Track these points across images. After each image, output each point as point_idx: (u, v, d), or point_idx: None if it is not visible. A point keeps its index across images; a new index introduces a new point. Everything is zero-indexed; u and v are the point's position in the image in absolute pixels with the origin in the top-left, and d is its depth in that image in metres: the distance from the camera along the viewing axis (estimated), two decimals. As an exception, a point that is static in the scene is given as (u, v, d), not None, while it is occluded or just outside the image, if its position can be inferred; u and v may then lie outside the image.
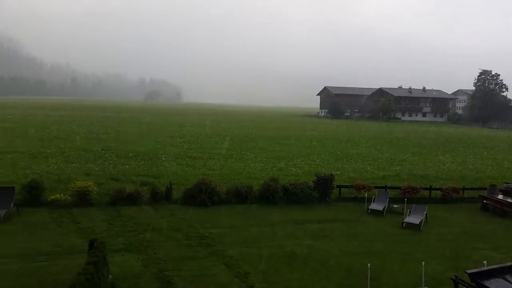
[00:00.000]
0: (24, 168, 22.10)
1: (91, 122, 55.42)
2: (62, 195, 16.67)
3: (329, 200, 19.06)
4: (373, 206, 17.78)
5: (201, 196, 17.30)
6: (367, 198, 18.41)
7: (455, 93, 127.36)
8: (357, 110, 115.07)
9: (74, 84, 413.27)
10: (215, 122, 67.27)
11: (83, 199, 16.54)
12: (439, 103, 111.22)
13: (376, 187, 20.05)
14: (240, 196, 18.16)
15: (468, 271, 7.29)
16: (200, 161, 27.44)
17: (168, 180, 18.74)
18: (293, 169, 26.08)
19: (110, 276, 9.31)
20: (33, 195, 16.35)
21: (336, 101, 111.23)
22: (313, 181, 19.38)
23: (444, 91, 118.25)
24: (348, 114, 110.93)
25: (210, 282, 10.19)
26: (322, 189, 19.06)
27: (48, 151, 27.87)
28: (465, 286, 7.20)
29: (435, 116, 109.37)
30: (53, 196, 16.49)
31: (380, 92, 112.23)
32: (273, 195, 18.21)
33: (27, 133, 37.77)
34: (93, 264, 7.70)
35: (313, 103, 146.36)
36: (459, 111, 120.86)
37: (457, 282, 7.40)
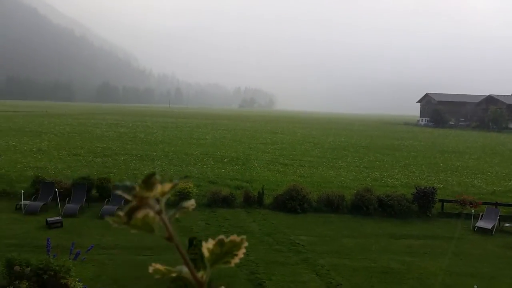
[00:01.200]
0: (133, 169, 24.48)
1: (192, 128, 59.25)
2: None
3: (430, 215, 17.74)
4: (481, 223, 16.11)
5: (292, 202, 17.38)
6: (474, 214, 16.75)
7: None
8: (462, 119, 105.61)
9: (178, 93, 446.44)
10: (307, 130, 67.14)
11: (183, 199, 17.70)
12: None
13: (484, 203, 18.13)
14: (331, 205, 17.84)
15: None
16: (291, 167, 27.61)
17: (260, 185, 19.19)
18: (389, 180, 24.85)
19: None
20: (141, 194, 17.98)
21: (439, 109, 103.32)
22: (412, 194, 18.25)
23: None
24: (453, 123, 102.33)
25: (301, 289, 10.18)
26: (422, 203, 17.83)
27: (154, 154, 30.46)
28: None
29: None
30: (158, 195, 17.96)
31: (490, 99, 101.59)
32: (367, 206, 17.54)
33: (137, 138, 41.74)
34: (193, 261, 8.21)
35: (413, 111, 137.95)
36: None
37: None
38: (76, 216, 15.45)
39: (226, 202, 17.80)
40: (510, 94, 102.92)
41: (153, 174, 0.56)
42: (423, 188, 18.19)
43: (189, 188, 18.19)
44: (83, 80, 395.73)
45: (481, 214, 16.81)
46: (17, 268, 9.27)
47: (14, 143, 31.94)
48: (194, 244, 9.53)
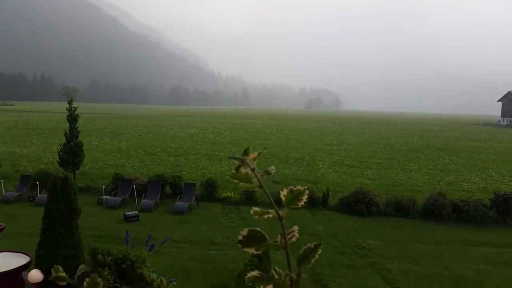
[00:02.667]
0: (203, 168, 25.54)
1: (258, 129, 60.16)
2: (232, 193, 18.69)
3: (510, 222, 16.41)
4: None
5: (358, 205, 17.04)
6: None
7: None
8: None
9: (245, 94, 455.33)
10: (376, 130, 64.92)
11: (249, 198, 18.21)
12: None
13: None
14: (401, 209, 17.20)
15: None
16: (358, 169, 26.98)
17: (325, 187, 19.05)
18: (465, 184, 23.31)
19: (272, 270, 10.07)
20: (209, 192, 18.76)
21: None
22: (490, 199, 17.00)
23: None
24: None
25: (366, 293, 10.01)
26: (502, 209, 16.55)
27: (222, 154, 31.46)
28: None
29: None
30: (225, 194, 18.63)
31: None
32: (440, 211, 16.65)
33: (206, 138, 43.38)
34: (258, 258, 8.47)
35: (493, 110, 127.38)
36: None
37: None
38: (151, 211, 16.55)
39: (291, 202, 17.88)
40: None
41: (248, 148, 0.85)
42: (502, 193, 16.86)
43: (254, 187, 18.57)
44: (157, 83, 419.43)
45: None
46: (100, 257, 10.20)
47: (96, 143, 34.83)
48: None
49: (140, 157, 28.74)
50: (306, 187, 0.81)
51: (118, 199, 17.50)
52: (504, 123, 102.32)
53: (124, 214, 15.41)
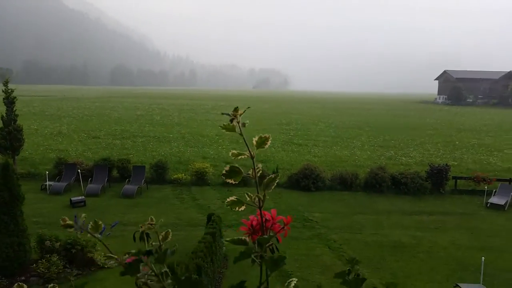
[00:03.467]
0: (151, 150, 25.15)
1: (207, 110, 59.75)
2: (183, 174, 18.69)
3: (443, 192, 17.93)
4: (494, 200, 16.25)
5: (306, 181, 17.77)
6: (487, 191, 16.87)
7: None
8: (481, 96, 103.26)
9: (192, 75, 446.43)
10: (322, 110, 66.93)
11: (200, 178, 18.32)
12: None
13: (498, 180, 18.19)
14: (344, 183, 18.17)
15: None
16: (305, 148, 27.90)
17: (275, 165, 19.60)
18: (404, 158, 24.95)
19: (224, 247, 10.38)
20: (159, 174, 18.62)
21: (457, 86, 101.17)
22: (425, 171, 18.42)
23: None
24: (471, 101, 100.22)
25: (314, 262, 10.64)
26: (435, 180, 18.01)
27: (171, 135, 31.09)
28: None
29: None
30: (176, 175, 18.58)
31: (510, 75, 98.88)
32: (380, 184, 17.82)
33: (153, 120, 42.46)
34: (211, 235, 8.72)
35: (431, 89, 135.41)
36: None
37: None
38: (98, 196, 16.18)
39: (242, 181, 18.14)
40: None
41: (237, 107, 1.04)
42: (436, 165, 18.32)
43: (206, 168, 18.73)
44: (97, 63, 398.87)
45: (494, 190, 16.92)
46: (47, 243, 9.97)
47: (35, 127, 32.97)
48: (212, 220, 10.03)
49: (84, 141, 27.68)
50: (269, 135, 1.04)
51: (63, 184, 16.90)
52: (440, 101, 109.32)
53: (70, 199, 14.97)
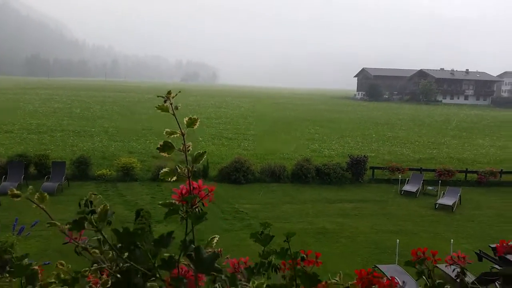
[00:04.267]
0: (72, 145, 23.72)
1: (133, 103, 57.51)
2: (107, 170, 17.91)
3: (362, 181, 19.29)
4: (407, 187, 17.86)
5: (236, 174, 18.03)
6: (401, 180, 18.49)
7: (501, 76, 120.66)
8: (396, 93, 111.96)
9: (115, 65, 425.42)
10: (251, 104, 67.86)
11: (127, 174, 17.71)
12: (482, 86, 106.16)
13: (410, 169, 20.03)
14: (273, 175, 18.75)
15: (492, 245, 7.52)
16: (235, 141, 28.21)
17: (205, 159, 19.59)
18: (327, 151, 26.33)
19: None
20: (82, 170, 17.68)
21: (374, 83, 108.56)
22: (346, 162, 19.63)
23: (490, 73, 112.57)
24: (387, 97, 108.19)
25: (245, 252, 10.88)
26: (355, 170, 19.30)
27: (93, 129, 29.53)
28: (489, 260, 7.45)
29: (478, 99, 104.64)
30: (100, 171, 17.75)
31: (421, 74, 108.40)
32: (306, 175, 18.67)
33: (73, 113, 39.93)
34: (140, 230, 8.54)
35: (352, 86, 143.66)
36: (505, 94, 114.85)
37: (481, 256, 7.65)
38: (13, 195, 14.92)
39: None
40: (439, 69, 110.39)
41: (170, 90, 1.16)
42: (356, 157, 19.63)
43: (133, 163, 18.15)
44: (8, 51, 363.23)
45: (407, 179, 18.59)
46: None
47: None
48: (141, 215, 9.81)
49: (-6, 136, 25.26)
50: (198, 117, 1.14)
51: (-30, 183, 15.32)
52: (359, 97, 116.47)
53: (-20, 199, 13.63)
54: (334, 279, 1.16)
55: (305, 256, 1.21)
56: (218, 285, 1.03)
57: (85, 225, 1.02)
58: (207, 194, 1.16)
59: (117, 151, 22.55)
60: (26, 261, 1.24)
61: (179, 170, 1.12)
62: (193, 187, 1.15)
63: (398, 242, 9.99)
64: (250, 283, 1.11)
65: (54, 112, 39.94)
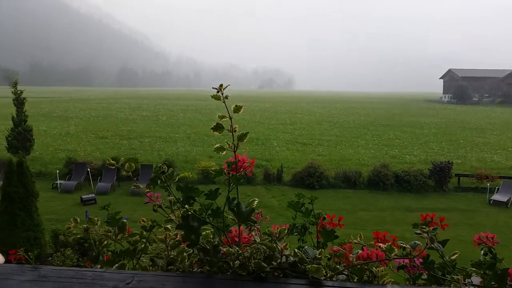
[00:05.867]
0: (158, 150, 25.54)
1: (212, 110, 60.12)
2: (189, 173, 19.04)
3: (446, 190, 18.16)
4: (496, 197, 16.46)
5: (310, 179, 18.06)
6: (490, 188, 17.08)
7: None
8: (487, 95, 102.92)
9: (196, 75, 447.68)
10: (326, 109, 67.12)
11: (206, 177, 18.67)
12: None
13: (501, 177, 18.39)
14: (348, 181, 18.45)
15: None
16: (310, 147, 28.18)
17: (279, 164, 19.90)
18: (408, 157, 25.16)
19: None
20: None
21: (462, 85, 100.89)
22: (428, 169, 18.65)
23: None
24: (476, 99, 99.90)
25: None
26: (438, 178, 18.24)
27: (177, 135, 31.48)
28: None
29: None
30: (182, 174, 18.94)
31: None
32: (384, 182, 18.08)
33: (159, 120, 42.89)
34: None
35: (436, 88, 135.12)
36: None
37: None
38: (108, 194, 16.58)
39: (247, 179, 18.62)
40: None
41: (221, 84, 1.39)
42: (439, 163, 18.55)
43: (211, 167, 19.08)
44: (102, 64, 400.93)
45: (497, 188, 17.12)
46: (61, 237, 10.34)
47: (44, 128, 33.47)
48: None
49: (92, 141, 28.12)
50: (248, 131, 1.38)
51: (73, 183, 17.31)
52: (446, 100, 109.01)
53: (81, 197, 15.37)
54: (356, 240, 1.41)
55: (325, 216, 1.47)
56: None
57: (158, 182, 1.37)
58: (249, 165, 1.41)
59: (198, 155, 23.83)
60: (118, 215, 1.59)
61: (227, 146, 1.37)
62: (238, 160, 1.39)
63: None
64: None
65: (143, 119, 43.25)
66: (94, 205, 15.13)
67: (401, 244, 1.29)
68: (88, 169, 17.83)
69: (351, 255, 1.26)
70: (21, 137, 18.14)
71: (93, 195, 15.71)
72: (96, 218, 1.88)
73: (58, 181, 17.36)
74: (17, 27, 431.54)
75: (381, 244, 1.28)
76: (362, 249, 1.31)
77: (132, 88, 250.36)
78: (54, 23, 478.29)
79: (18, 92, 18.45)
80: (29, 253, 2.03)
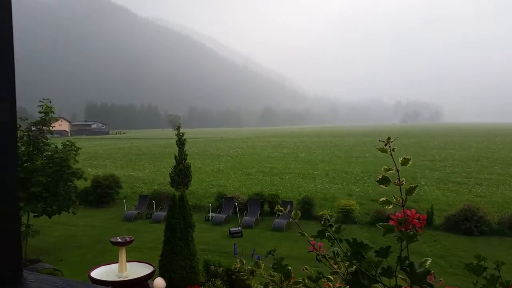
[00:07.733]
0: (297, 186, 26.06)
1: (350, 146, 59.15)
2: (329, 211, 18.82)
3: None
4: None
5: (467, 223, 15.99)
6: None
7: None
8: None
9: (334, 111, 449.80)
10: (484, 143, 59.44)
11: (347, 216, 18.18)
12: None
13: None
14: (518, 228, 15.73)
15: None
16: (465, 186, 25.14)
17: (429, 205, 18.18)
18: None
19: None
20: (306, 210, 19.14)
21: None
22: None
23: None
24: None
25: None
26: None
27: (316, 172, 31.71)
28: None
29: None
30: (321, 212, 18.83)
31: None
32: None
33: (298, 157, 43.98)
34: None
35: None
36: None
37: None
38: (252, 228, 17.47)
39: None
40: None
41: (389, 137, 1.29)
42: None
43: (352, 205, 18.54)
44: (248, 106, 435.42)
45: None
46: (212, 268, 11.21)
47: (199, 165, 37.53)
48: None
49: (238, 177, 30.29)
50: (417, 185, 1.34)
51: (223, 216, 18.79)
52: None
53: (229, 230, 16.52)
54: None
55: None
56: None
57: (326, 234, 1.42)
58: (419, 221, 1.36)
59: (337, 193, 23.49)
60: (283, 262, 1.65)
61: (395, 200, 1.33)
62: (407, 215, 1.33)
63: None
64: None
65: (283, 157, 44.97)
66: (240, 238, 16.07)
67: None
68: (236, 203, 19.18)
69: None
70: (181, 173, 20.66)
71: (239, 228, 16.74)
72: (261, 262, 2.02)
73: (210, 214, 19.06)
74: (172, 77, 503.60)
75: None
76: None
77: (274, 127, 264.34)
78: (203, 70, 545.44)
79: (181, 134, 21.22)
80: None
